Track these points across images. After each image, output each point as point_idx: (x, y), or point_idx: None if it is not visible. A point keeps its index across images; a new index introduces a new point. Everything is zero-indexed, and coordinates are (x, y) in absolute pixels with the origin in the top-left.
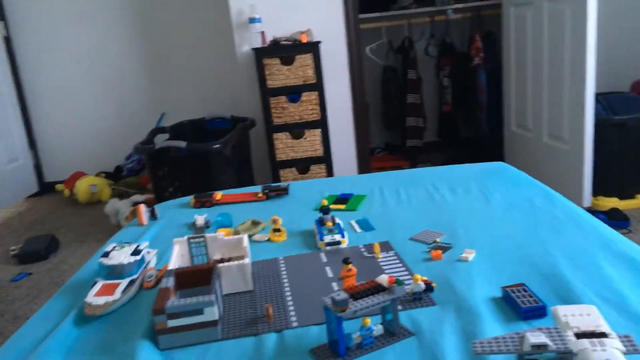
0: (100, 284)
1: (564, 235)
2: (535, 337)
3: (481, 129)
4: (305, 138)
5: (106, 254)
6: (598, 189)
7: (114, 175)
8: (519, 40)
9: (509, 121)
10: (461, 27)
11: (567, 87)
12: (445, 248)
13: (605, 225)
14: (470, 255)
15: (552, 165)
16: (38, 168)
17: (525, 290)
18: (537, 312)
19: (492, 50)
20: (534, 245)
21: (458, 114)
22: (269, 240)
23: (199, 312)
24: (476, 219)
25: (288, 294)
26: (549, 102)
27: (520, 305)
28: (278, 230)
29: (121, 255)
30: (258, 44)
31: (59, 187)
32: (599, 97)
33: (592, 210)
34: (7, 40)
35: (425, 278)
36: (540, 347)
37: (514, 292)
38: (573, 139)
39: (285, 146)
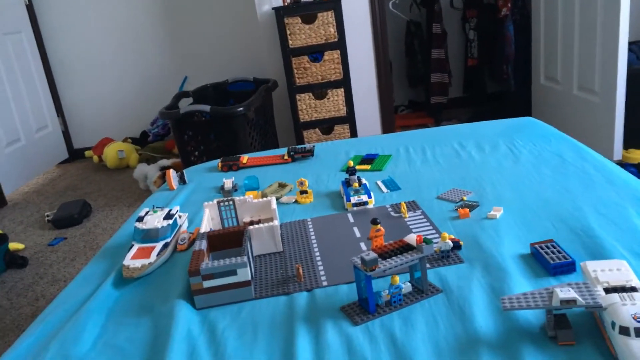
0: (136, 247)
1: (594, 190)
2: (564, 292)
3: (508, 83)
4: (328, 98)
5: (140, 219)
6: (629, 142)
7: (140, 141)
8: None
9: (537, 74)
10: None
11: (599, 35)
12: (472, 206)
13: (637, 179)
14: (498, 212)
15: (582, 119)
16: (66, 135)
17: (554, 247)
18: (566, 267)
19: (520, 0)
20: (564, 201)
21: (484, 68)
22: (296, 202)
23: (233, 272)
24: (504, 176)
25: (317, 254)
26: (579, 52)
27: (549, 262)
28: (305, 192)
29: (155, 220)
30: (278, 2)
31: (88, 153)
32: (633, 46)
33: (623, 164)
34: (29, 8)
35: (452, 236)
36: (569, 302)
37: (543, 249)
38: (604, 90)
39: (309, 107)
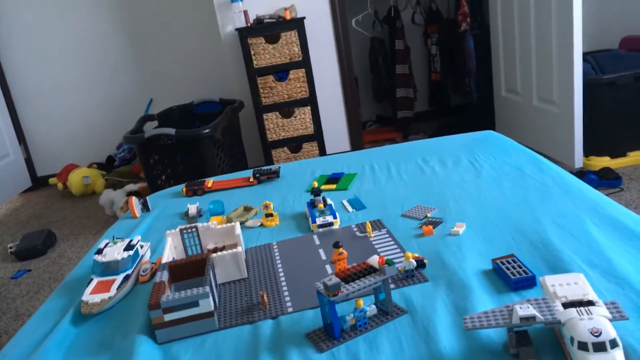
0: (95, 281)
1: (553, 203)
2: (524, 309)
3: (471, 96)
4: (295, 117)
5: (99, 251)
6: (590, 149)
7: (106, 166)
8: (505, 3)
9: (498, 86)
10: None
11: (554, 48)
12: (436, 223)
13: (594, 190)
14: (461, 228)
15: (543, 129)
16: (29, 163)
17: (515, 262)
18: (526, 282)
19: (479, 14)
20: (524, 215)
21: (447, 82)
22: (261, 225)
23: (195, 304)
24: (466, 191)
25: (282, 279)
26: (537, 64)
27: (510, 277)
28: (270, 215)
29: (114, 252)
30: (242, 23)
31: (52, 180)
32: (588, 57)
33: (584, 171)
34: None
35: (417, 255)
36: (528, 319)
37: (504, 264)
38: (562, 100)
39: (276, 126)
